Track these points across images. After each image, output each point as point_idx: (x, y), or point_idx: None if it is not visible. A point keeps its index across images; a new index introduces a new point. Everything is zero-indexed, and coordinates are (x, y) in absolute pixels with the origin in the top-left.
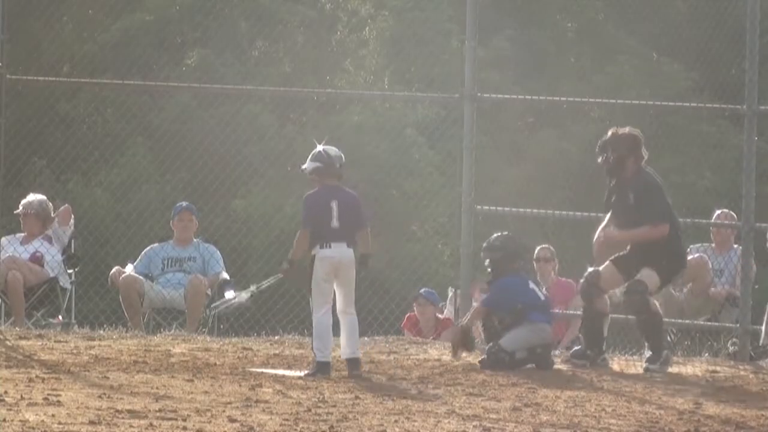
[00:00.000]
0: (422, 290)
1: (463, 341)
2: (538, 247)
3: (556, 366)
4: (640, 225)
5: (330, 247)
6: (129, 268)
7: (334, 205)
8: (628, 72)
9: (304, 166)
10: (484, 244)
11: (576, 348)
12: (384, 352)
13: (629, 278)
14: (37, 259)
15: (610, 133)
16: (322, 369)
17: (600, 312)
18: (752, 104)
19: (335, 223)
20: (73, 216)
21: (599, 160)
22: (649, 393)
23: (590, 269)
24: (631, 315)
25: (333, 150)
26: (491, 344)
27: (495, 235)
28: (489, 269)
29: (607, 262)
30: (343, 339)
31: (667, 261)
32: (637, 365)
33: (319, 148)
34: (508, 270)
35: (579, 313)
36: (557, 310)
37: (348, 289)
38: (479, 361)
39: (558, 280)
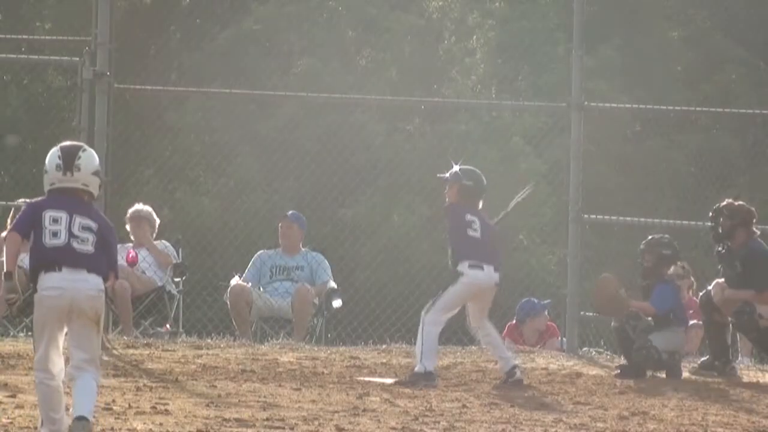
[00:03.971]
0: (531, 303)
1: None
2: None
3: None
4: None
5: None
6: (234, 281)
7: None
8: (735, 81)
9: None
10: (645, 244)
11: (704, 359)
12: (491, 360)
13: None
14: (132, 260)
15: (725, 201)
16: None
17: (719, 323)
18: None
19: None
20: (173, 262)
21: (710, 224)
22: (756, 402)
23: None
24: (742, 334)
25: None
26: (640, 344)
27: (656, 236)
28: (645, 267)
29: (720, 280)
30: None
31: None
32: (750, 374)
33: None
34: (663, 275)
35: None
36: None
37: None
38: (616, 374)
39: (691, 299)
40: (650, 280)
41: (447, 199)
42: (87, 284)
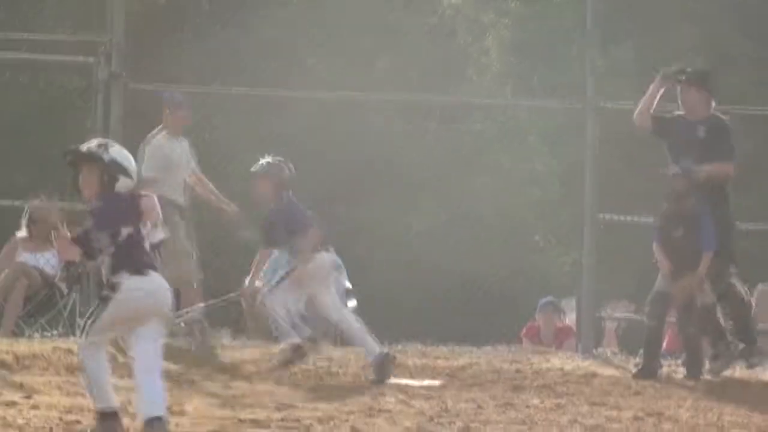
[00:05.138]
0: (545, 299)
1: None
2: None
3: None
4: (707, 161)
5: None
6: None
7: None
8: (749, 80)
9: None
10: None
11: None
12: (506, 361)
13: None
14: None
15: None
16: None
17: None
18: None
19: None
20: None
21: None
22: None
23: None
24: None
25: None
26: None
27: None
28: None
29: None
30: None
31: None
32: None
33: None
34: (691, 204)
35: None
36: None
37: None
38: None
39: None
40: (676, 207)
41: (262, 193)
42: (168, 292)
